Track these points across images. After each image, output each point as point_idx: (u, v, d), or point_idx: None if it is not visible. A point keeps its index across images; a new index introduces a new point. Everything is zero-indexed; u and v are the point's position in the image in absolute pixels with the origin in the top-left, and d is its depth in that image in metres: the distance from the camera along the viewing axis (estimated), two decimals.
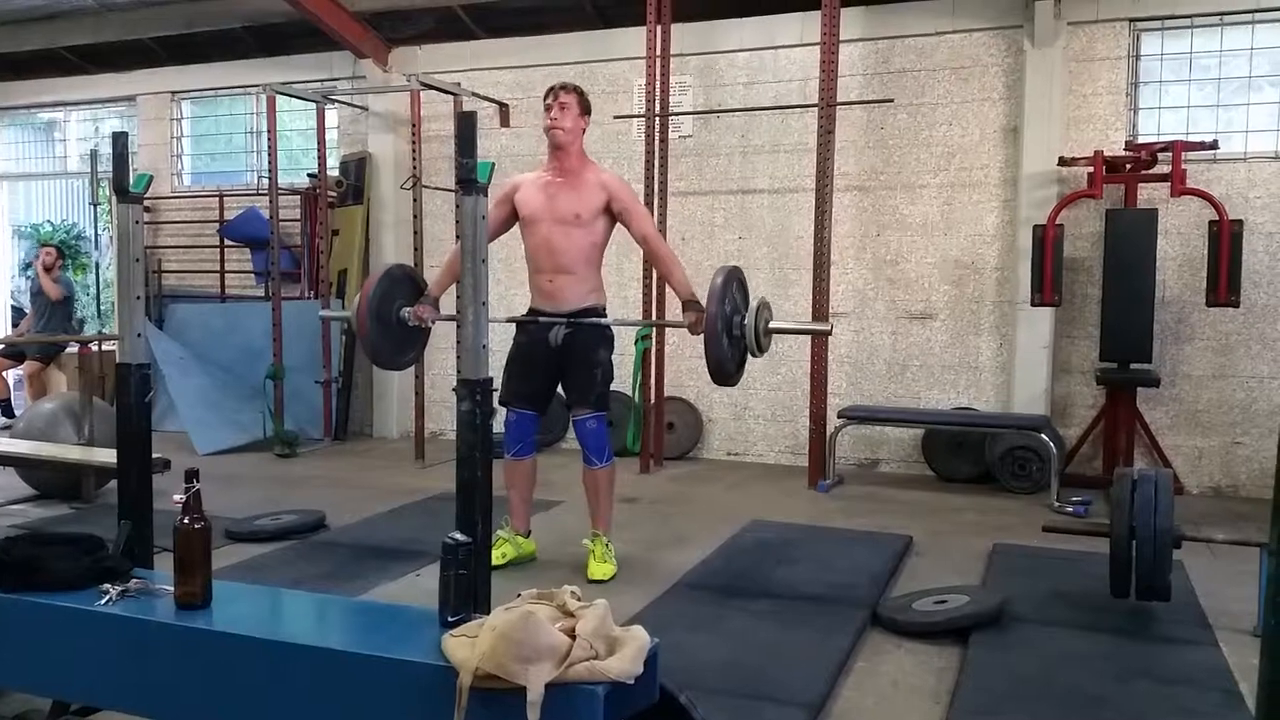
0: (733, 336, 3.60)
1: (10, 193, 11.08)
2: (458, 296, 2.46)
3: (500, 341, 4.26)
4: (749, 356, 3.69)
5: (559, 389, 4.47)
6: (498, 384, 2.65)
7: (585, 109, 4.30)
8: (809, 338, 6.25)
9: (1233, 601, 3.88)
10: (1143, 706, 2.98)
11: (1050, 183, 6.35)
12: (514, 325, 4.45)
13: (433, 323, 3.97)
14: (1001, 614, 3.64)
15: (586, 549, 4.35)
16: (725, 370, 3.64)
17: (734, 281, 3.63)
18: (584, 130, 4.31)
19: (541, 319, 4.28)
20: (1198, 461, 6.28)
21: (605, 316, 4.36)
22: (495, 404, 2.74)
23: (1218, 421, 6.25)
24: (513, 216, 4.34)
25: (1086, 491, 5.81)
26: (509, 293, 6.93)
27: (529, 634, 1.75)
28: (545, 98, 4.28)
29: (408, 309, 3.91)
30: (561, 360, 4.32)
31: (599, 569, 4.25)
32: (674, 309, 6.99)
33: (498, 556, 4.28)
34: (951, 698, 3.06)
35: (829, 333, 4.30)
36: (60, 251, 8.85)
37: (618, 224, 4.32)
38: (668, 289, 6.83)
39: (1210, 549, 4.42)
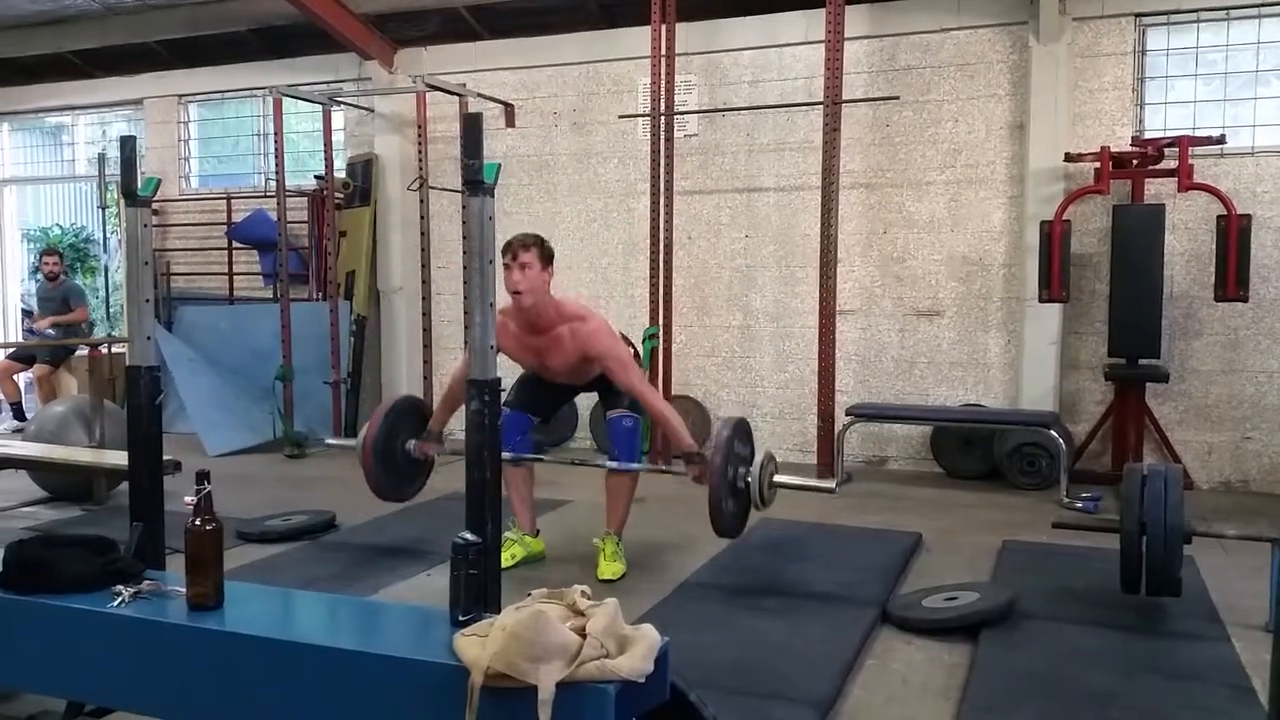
0: (737, 491, 3.62)
1: (19, 197, 11.11)
2: (465, 297, 2.47)
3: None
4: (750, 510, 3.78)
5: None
6: (505, 386, 2.66)
7: (547, 259, 3.99)
8: (815, 336, 6.23)
9: (1244, 597, 3.87)
10: (1154, 702, 2.97)
11: (1057, 179, 6.34)
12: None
13: (437, 455, 3.99)
14: (1012, 610, 3.64)
15: (596, 548, 4.34)
16: (727, 525, 3.72)
17: (742, 434, 3.68)
18: (549, 281, 4.03)
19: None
20: (1208, 457, 6.27)
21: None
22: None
23: (1227, 416, 6.23)
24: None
25: (1096, 487, 5.79)
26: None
27: (540, 633, 1.75)
28: (504, 255, 3.89)
29: (413, 442, 3.93)
30: (580, 387, 4.38)
31: (608, 568, 4.25)
32: (680, 309, 7.02)
33: (507, 558, 4.29)
34: (962, 694, 3.05)
35: (833, 491, 4.41)
36: (60, 255, 8.84)
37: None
38: (675, 286, 6.84)
39: (1221, 544, 4.41)
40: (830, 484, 4.60)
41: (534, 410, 4.42)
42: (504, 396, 4.24)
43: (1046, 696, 3.02)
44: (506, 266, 3.90)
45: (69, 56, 9.21)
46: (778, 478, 3.74)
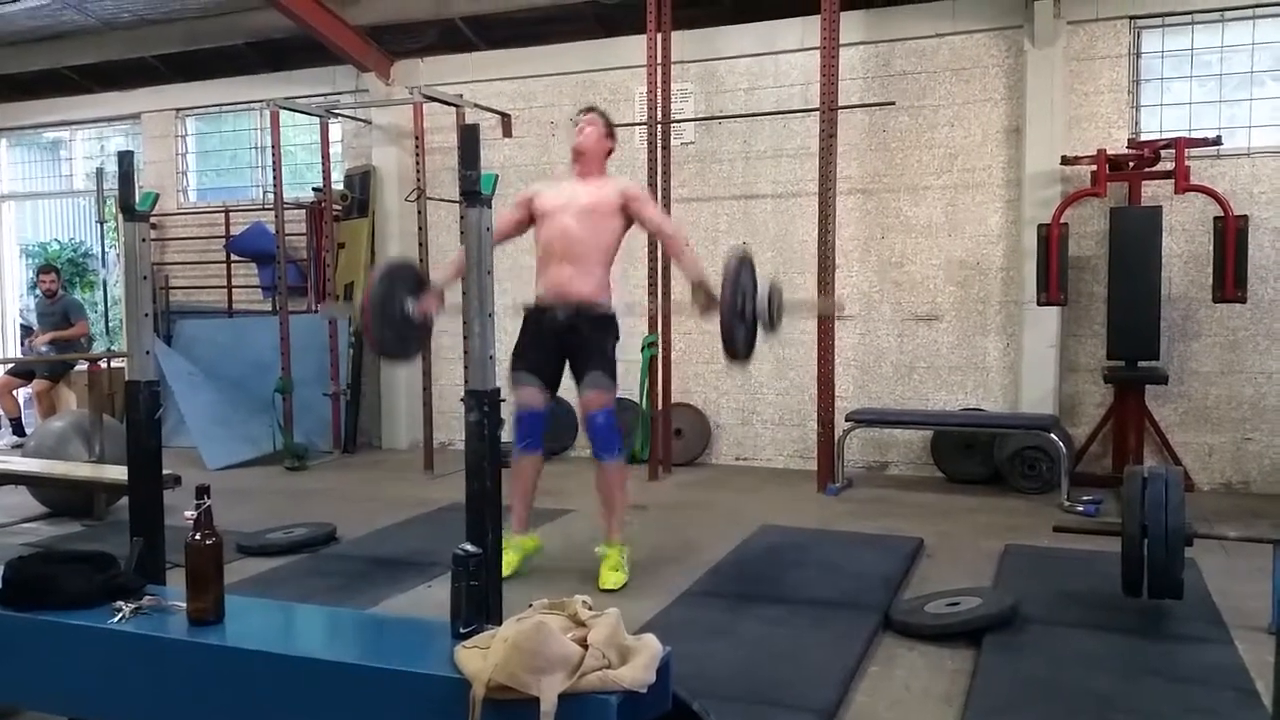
0: (746, 317, 3.69)
1: (17, 212, 11.12)
2: (463, 308, 2.47)
3: (508, 351, 4.26)
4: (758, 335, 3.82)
5: (566, 375, 4.46)
6: (504, 395, 2.66)
7: (609, 131, 4.51)
8: (814, 342, 6.23)
9: (1247, 599, 3.87)
10: (1157, 706, 2.96)
11: (1053, 182, 6.34)
12: (521, 318, 4.47)
13: (438, 315, 3.98)
14: (1014, 615, 3.63)
15: (600, 556, 4.32)
16: (737, 349, 3.75)
17: (745, 266, 3.74)
18: (608, 151, 4.51)
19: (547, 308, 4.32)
20: (1208, 458, 6.26)
21: (612, 319, 4.38)
22: (505, 394, 2.75)
23: (1227, 418, 6.23)
24: (527, 221, 4.44)
25: (1097, 490, 5.80)
26: (515, 302, 6.92)
27: (541, 644, 1.75)
28: (577, 116, 4.56)
29: (412, 301, 3.92)
30: (569, 343, 4.33)
31: (610, 577, 4.22)
32: (679, 317, 7.02)
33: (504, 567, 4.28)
34: (965, 700, 3.05)
35: (839, 310, 4.50)
36: (57, 271, 8.82)
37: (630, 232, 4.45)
38: (674, 294, 6.84)
39: (1223, 546, 4.40)
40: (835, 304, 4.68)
41: (540, 378, 4.35)
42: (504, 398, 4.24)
43: (1049, 701, 3.02)
44: (578, 128, 4.47)
45: (66, 72, 9.24)
46: (787, 296, 3.88)
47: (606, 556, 4.30)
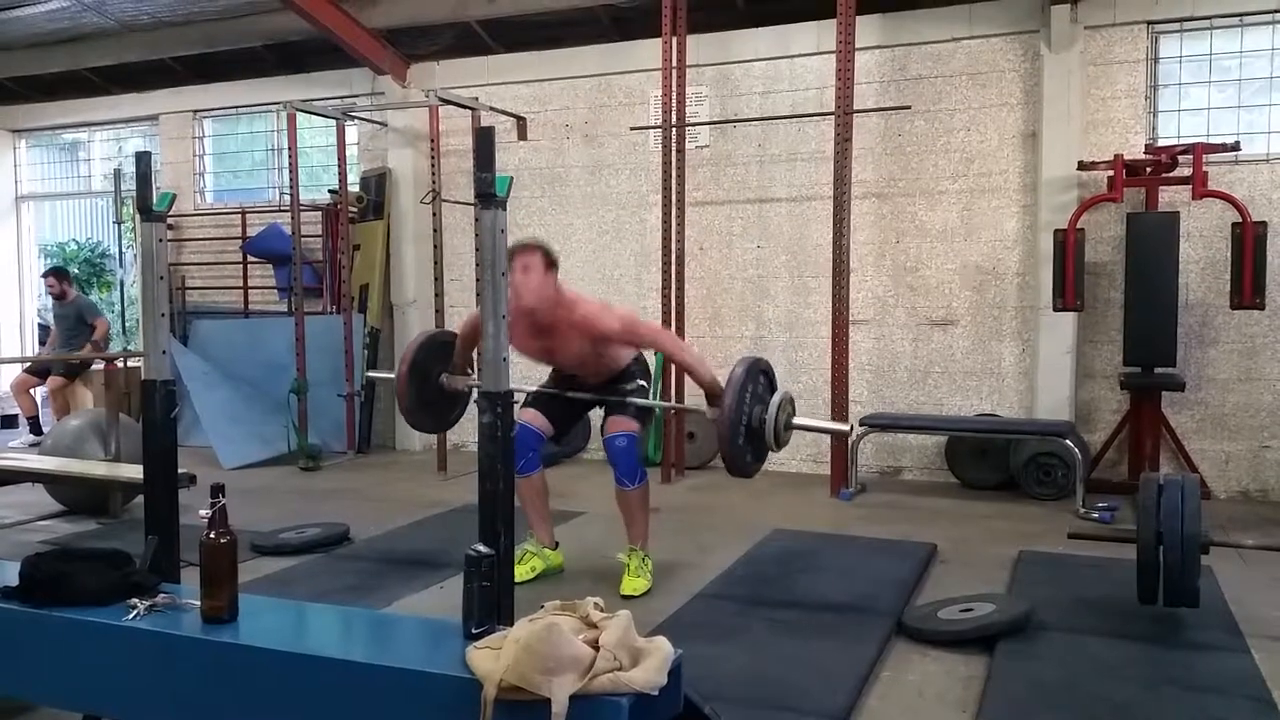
0: (752, 430, 3.58)
1: (36, 213, 11.20)
2: (478, 309, 2.47)
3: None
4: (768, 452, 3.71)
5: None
6: (518, 397, 2.67)
7: (550, 265, 3.99)
8: (828, 346, 6.22)
9: (1264, 607, 3.84)
10: (1172, 715, 2.95)
11: (1070, 187, 6.31)
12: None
13: (468, 389, 3.99)
14: (1028, 622, 3.61)
15: (621, 563, 4.29)
16: (740, 466, 3.64)
17: (758, 374, 3.61)
18: (553, 285, 4.01)
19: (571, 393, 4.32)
20: (1225, 466, 6.22)
21: (640, 366, 4.36)
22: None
23: (1245, 425, 6.18)
24: None
25: (1112, 497, 5.76)
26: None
27: (552, 645, 1.75)
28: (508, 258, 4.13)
29: (445, 376, 3.95)
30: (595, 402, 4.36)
31: (630, 583, 4.19)
32: (692, 320, 7.02)
33: (527, 571, 4.28)
34: (978, 707, 3.03)
35: (848, 434, 4.27)
36: (60, 274, 8.68)
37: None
38: (687, 297, 6.85)
39: (1240, 554, 4.37)
40: (844, 426, 4.50)
41: (550, 418, 4.36)
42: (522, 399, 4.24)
43: (1063, 708, 3.00)
44: (510, 269, 3.93)
45: (86, 74, 9.30)
46: (796, 420, 3.69)
47: (629, 562, 4.27)
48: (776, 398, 3.61)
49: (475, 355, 3.97)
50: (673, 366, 6.75)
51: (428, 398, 4.19)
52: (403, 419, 8.05)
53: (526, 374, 4.58)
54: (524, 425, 4.30)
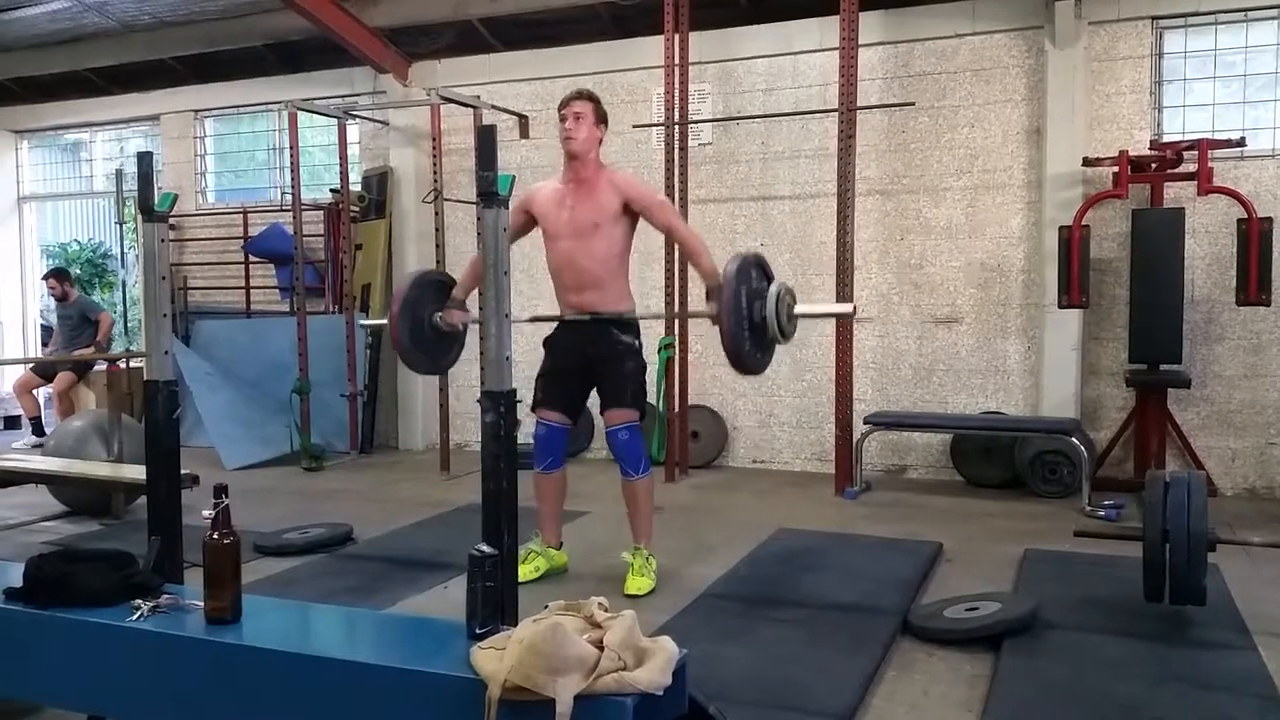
0: (754, 324, 3.45)
1: (38, 213, 11.21)
2: (480, 308, 2.46)
3: (524, 351, 4.25)
4: (775, 345, 3.55)
5: (590, 400, 4.44)
6: (523, 395, 2.64)
7: (601, 117, 4.24)
8: (832, 344, 6.21)
9: (1271, 605, 3.83)
10: (1179, 713, 2.93)
11: (1075, 183, 6.30)
12: (542, 338, 4.43)
13: (464, 326, 3.96)
14: (1034, 620, 3.60)
15: (625, 562, 4.27)
16: (744, 360, 3.50)
17: (752, 267, 3.47)
18: (600, 140, 4.24)
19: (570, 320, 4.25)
20: (1231, 463, 6.20)
21: (635, 325, 4.31)
22: (525, 412, 2.74)
23: (1251, 422, 6.16)
24: (530, 223, 4.33)
25: (1118, 495, 5.74)
26: (531, 303, 6.93)
27: (557, 646, 1.74)
28: (560, 108, 4.23)
29: (439, 314, 3.92)
30: (593, 367, 4.28)
31: (635, 583, 4.17)
32: (695, 319, 7.01)
33: (531, 570, 4.27)
34: (984, 706, 3.02)
35: (851, 314, 4.13)
36: (61, 275, 8.70)
37: (641, 224, 4.27)
38: (690, 295, 6.83)
39: (1247, 552, 4.35)
40: (847, 307, 4.37)
41: (564, 409, 4.33)
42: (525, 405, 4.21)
43: (1069, 707, 2.99)
44: (562, 118, 4.19)
45: (87, 74, 9.31)
46: (798, 309, 3.59)
47: (633, 562, 4.26)
48: (774, 288, 3.45)
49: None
50: (673, 367, 6.75)
51: (421, 336, 4.13)
52: (405, 419, 8.14)
53: (528, 376, 4.56)
54: (549, 425, 4.29)
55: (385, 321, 4.18)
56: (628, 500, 4.33)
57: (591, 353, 4.25)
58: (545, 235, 4.28)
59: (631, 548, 4.31)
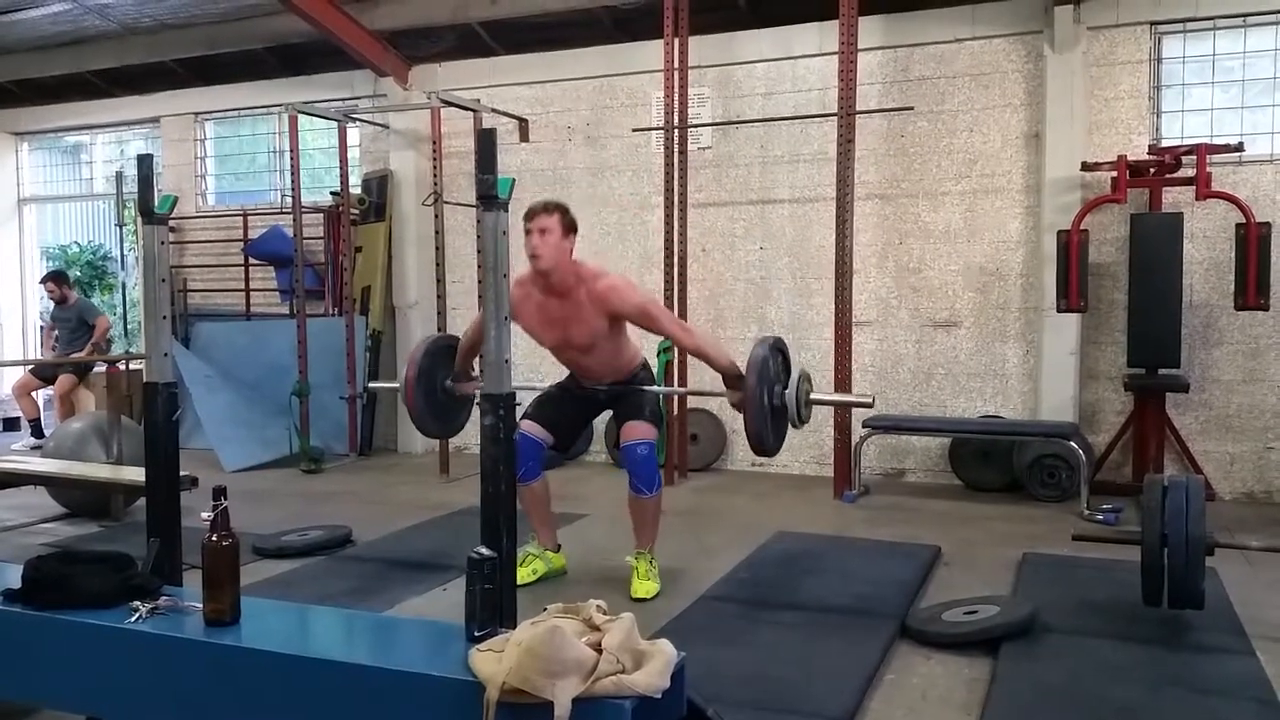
0: (775, 409, 3.56)
1: (38, 215, 11.21)
2: (481, 311, 2.47)
3: (524, 354, 4.26)
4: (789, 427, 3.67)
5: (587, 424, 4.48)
6: (522, 398, 2.66)
7: (570, 227, 3.94)
8: (831, 348, 6.21)
9: (1269, 609, 3.83)
10: (1177, 717, 2.93)
11: (1074, 188, 6.30)
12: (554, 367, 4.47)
13: (476, 393, 3.99)
14: (1032, 624, 3.60)
15: (629, 565, 4.26)
16: (766, 445, 3.61)
17: (777, 353, 3.60)
18: (570, 250, 3.96)
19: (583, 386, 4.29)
20: (1230, 467, 6.20)
21: (648, 374, 4.34)
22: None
23: (1249, 426, 6.17)
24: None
25: (1116, 499, 5.74)
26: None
27: (555, 648, 1.75)
28: (525, 220, 3.91)
29: (450, 381, 3.96)
30: (606, 405, 4.34)
31: (641, 586, 4.17)
32: (695, 322, 7.02)
33: (529, 574, 4.27)
34: (982, 709, 3.02)
35: (870, 404, 4.23)
36: (59, 278, 8.69)
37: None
38: (690, 298, 6.84)
39: (1245, 556, 4.36)
40: (868, 398, 4.44)
41: (551, 428, 4.32)
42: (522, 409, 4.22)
43: (1067, 711, 2.99)
44: (527, 231, 3.88)
45: (88, 76, 9.32)
46: (814, 395, 3.69)
47: (638, 566, 4.24)
48: (795, 374, 3.58)
49: (478, 362, 3.96)
50: (674, 368, 6.75)
51: (435, 403, 4.18)
52: (404, 421, 8.14)
53: (528, 378, 4.57)
54: (522, 434, 4.25)
55: (396, 385, 4.21)
56: (635, 514, 4.29)
57: (604, 398, 4.31)
58: (536, 340, 4.21)
59: (635, 552, 4.30)
